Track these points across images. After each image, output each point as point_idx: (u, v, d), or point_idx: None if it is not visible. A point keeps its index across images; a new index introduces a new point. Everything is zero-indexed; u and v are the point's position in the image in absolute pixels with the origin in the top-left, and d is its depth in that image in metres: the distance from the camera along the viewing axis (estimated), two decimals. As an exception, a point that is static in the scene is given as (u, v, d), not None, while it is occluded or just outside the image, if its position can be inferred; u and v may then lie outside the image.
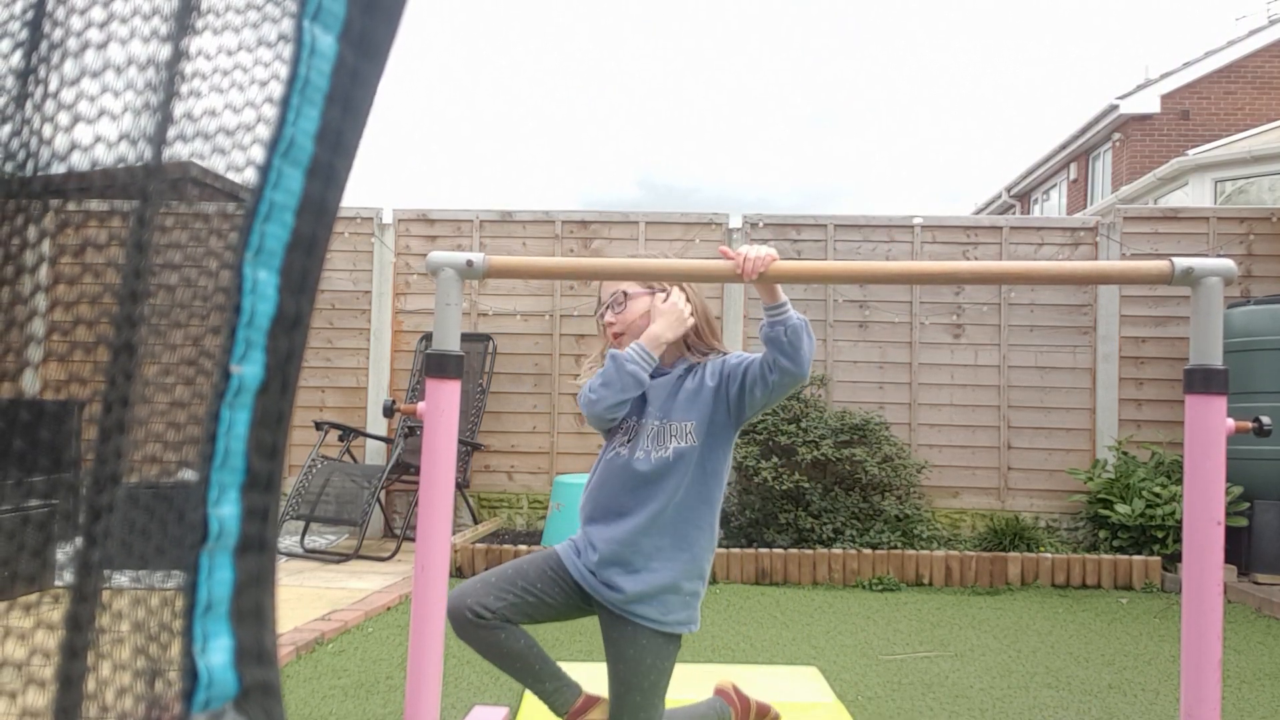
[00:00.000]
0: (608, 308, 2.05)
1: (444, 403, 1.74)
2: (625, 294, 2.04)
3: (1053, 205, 16.74)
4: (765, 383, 1.89)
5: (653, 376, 2.00)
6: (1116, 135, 14.02)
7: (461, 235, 6.28)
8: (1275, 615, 4.35)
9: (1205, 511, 1.65)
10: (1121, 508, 5.21)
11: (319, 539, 5.65)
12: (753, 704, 2.41)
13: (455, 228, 6.29)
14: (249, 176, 0.39)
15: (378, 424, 6.10)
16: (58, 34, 0.38)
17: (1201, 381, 1.67)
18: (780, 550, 5.02)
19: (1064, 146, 15.46)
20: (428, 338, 6.04)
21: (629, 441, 1.98)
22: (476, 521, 5.89)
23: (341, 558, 5.15)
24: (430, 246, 6.16)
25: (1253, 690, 3.23)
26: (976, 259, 5.99)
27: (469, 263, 1.77)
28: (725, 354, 2.04)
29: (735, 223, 6.19)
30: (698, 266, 1.91)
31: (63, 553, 0.43)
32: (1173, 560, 4.99)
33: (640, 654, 1.94)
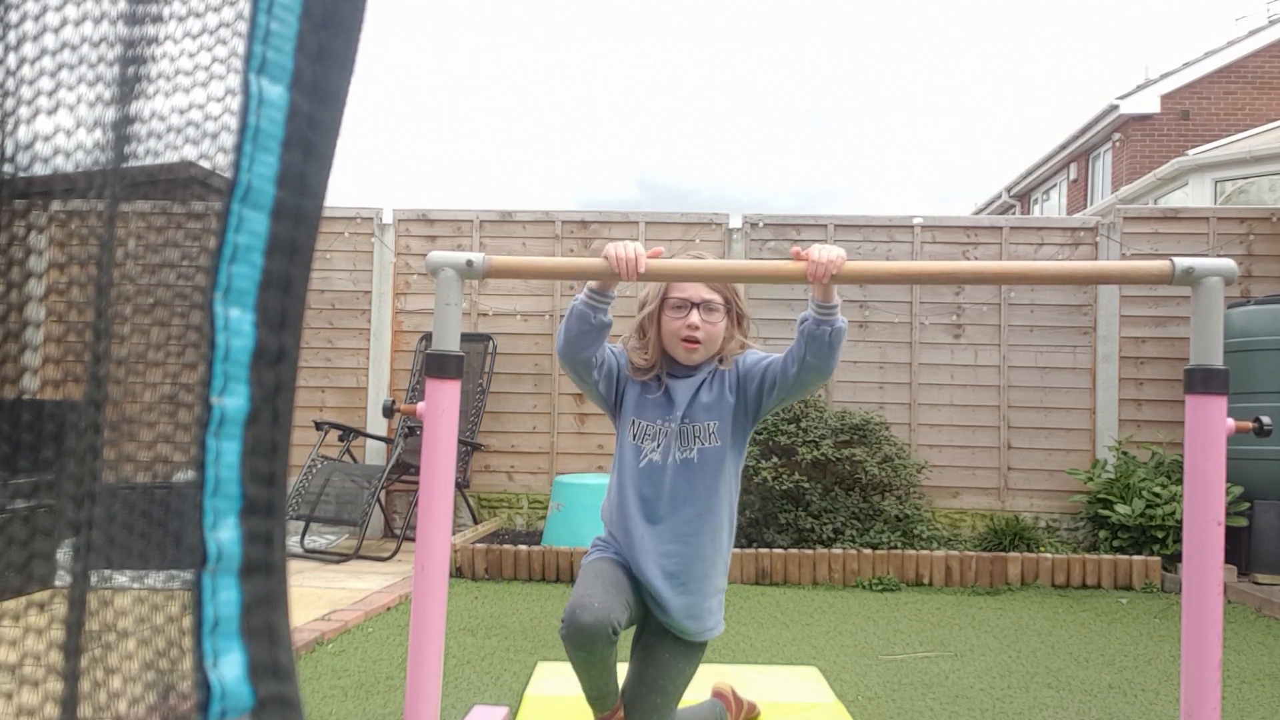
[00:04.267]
0: (696, 308, 1.91)
1: (444, 403, 1.74)
2: (722, 303, 1.95)
3: (1053, 205, 16.74)
4: (786, 378, 1.88)
5: (677, 377, 1.97)
6: (1116, 135, 14.01)
7: (461, 235, 6.28)
8: (1275, 615, 4.35)
9: (1205, 511, 1.65)
10: (1121, 508, 5.20)
11: (319, 539, 5.65)
12: (745, 704, 2.42)
13: (455, 228, 6.29)
14: (209, 222, 0.41)
15: (378, 424, 6.10)
16: (9, 103, 0.40)
17: (1202, 381, 1.67)
18: (780, 550, 5.02)
19: (1064, 146, 15.46)
20: (428, 338, 6.03)
21: (659, 446, 1.93)
22: (476, 521, 5.89)
23: (341, 558, 5.15)
24: (430, 246, 6.16)
25: (1253, 690, 3.23)
26: (976, 259, 5.99)
27: (469, 263, 1.77)
28: (746, 350, 2.01)
29: (735, 222, 6.19)
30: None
31: (61, 559, 0.43)
32: (1173, 560, 4.99)
33: (674, 659, 1.95)
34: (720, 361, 1.99)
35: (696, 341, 1.91)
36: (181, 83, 0.43)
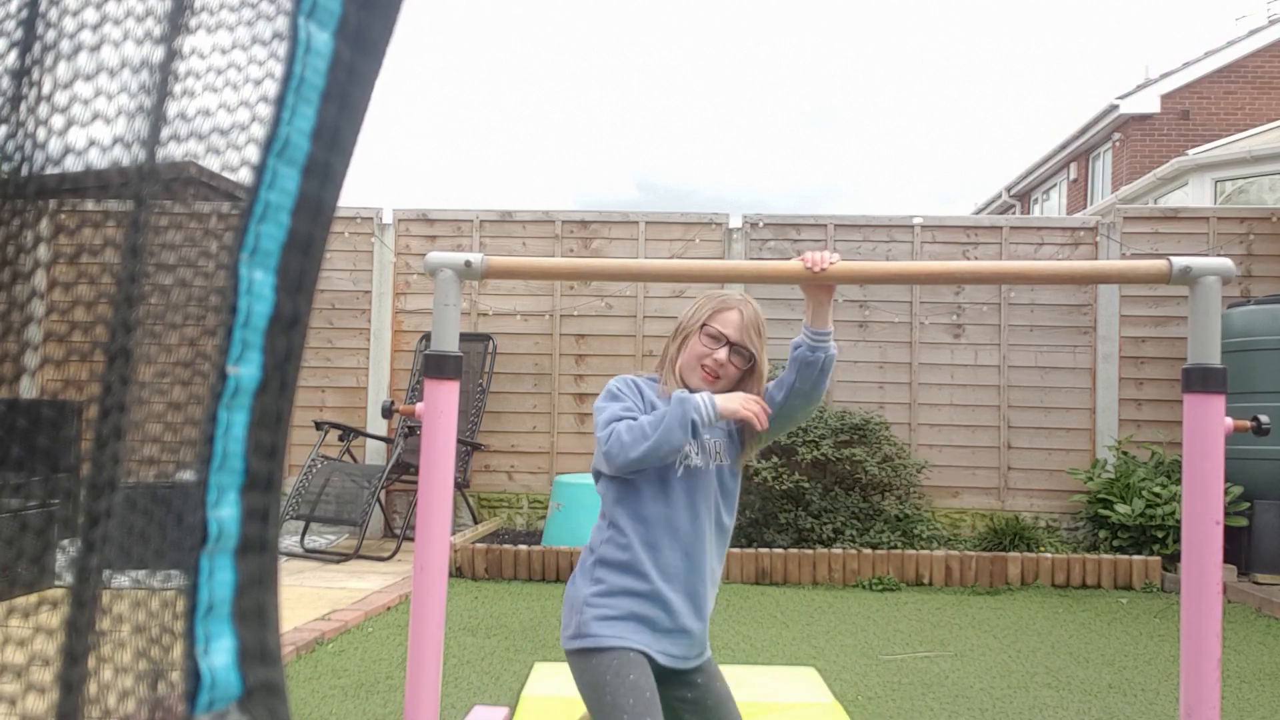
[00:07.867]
0: (731, 348, 1.83)
1: (443, 403, 1.74)
2: (753, 355, 1.85)
3: (1053, 205, 16.73)
4: (773, 404, 1.83)
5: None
6: (1116, 135, 14.01)
7: (461, 235, 6.28)
8: (1275, 615, 4.35)
9: (1204, 511, 1.65)
10: (1121, 508, 5.20)
11: (319, 539, 5.65)
12: None
13: (455, 228, 6.29)
14: (244, 176, 0.38)
15: (378, 424, 6.11)
16: (50, 35, 0.37)
17: (1200, 380, 1.67)
18: (780, 550, 5.02)
19: (1064, 146, 15.45)
20: (428, 338, 6.03)
21: (698, 452, 1.82)
22: (476, 521, 5.89)
23: (341, 558, 5.15)
24: (430, 246, 6.16)
25: (1253, 690, 3.23)
26: (976, 259, 5.99)
27: (467, 263, 1.76)
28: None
29: (735, 222, 6.19)
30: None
31: (61, 554, 0.42)
32: (1173, 560, 4.98)
33: (721, 677, 1.87)
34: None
35: (716, 376, 1.86)
36: (226, 19, 0.39)
